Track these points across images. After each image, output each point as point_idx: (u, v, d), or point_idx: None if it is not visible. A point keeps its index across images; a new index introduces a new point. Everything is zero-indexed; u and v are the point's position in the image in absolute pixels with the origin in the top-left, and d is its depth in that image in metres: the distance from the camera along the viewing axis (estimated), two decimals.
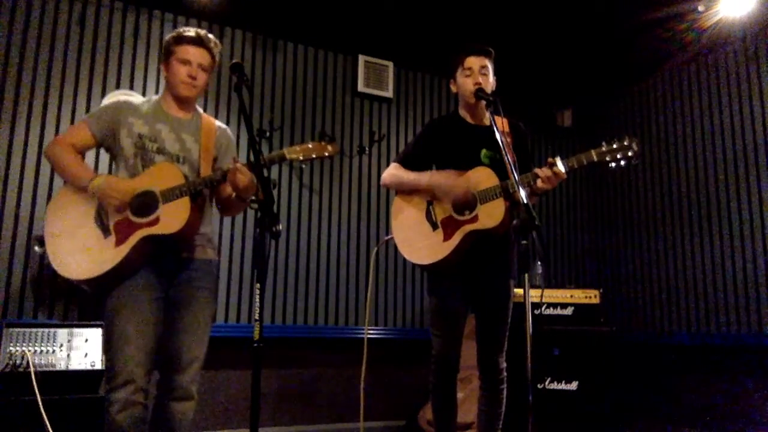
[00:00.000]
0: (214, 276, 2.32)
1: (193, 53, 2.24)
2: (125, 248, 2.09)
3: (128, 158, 2.21)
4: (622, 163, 2.30)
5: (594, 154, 2.32)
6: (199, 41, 2.25)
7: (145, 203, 2.13)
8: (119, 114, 2.24)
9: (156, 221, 2.12)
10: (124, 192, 2.13)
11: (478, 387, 2.60)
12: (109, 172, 2.27)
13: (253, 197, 2.20)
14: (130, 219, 2.13)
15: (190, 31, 2.27)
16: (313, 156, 2.18)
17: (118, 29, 3.73)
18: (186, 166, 2.26)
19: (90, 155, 3.49)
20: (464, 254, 2.44)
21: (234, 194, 2.24)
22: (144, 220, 2.12)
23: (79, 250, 2.13)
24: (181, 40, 2.25)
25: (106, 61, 3.67)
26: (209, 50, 2.28)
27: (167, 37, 2.31)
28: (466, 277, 2.50)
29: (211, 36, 2.30)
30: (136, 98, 2.34)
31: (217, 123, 2.41)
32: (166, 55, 2.28)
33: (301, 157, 2.18)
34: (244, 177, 2.11)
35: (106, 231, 2.13)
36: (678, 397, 4.19)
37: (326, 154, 2.19)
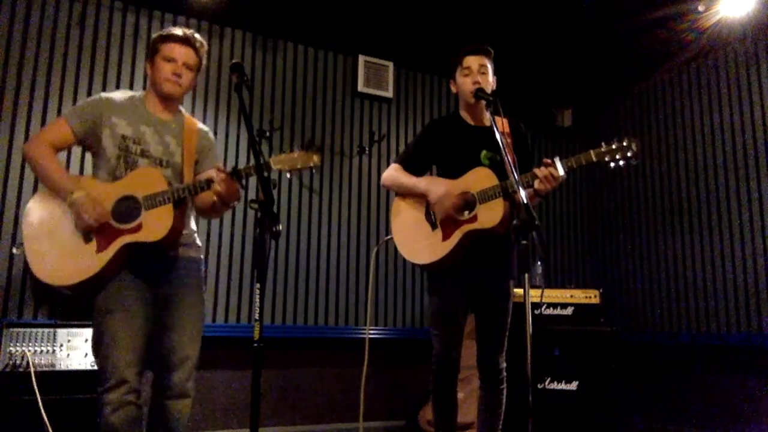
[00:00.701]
0: (200, 274, 2.31)
1: (179, 51, 2.22)
2: (106, 255, 2.07)
3: (110, 159, 2.18)
4: (621, 163, 2.30)
5: (593, 155, 2.32)
6: (185, 40, 2.23)
7: (128, 209, 2.11)
8: (101, 112, 2.19)
9: (138, 228, 2.09)
10: (103, 210, 2.09)
11: (478, 387, 2.60)
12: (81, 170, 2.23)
13: (254, 197, 2.18)
14: (111, 224, 2.10)
15: (177, 30, 2.25)
16: (299, 167, 2.11)
17: (118, 29, 3.73)
18: (169, 170, 2.24)
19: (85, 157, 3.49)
20: (463, 254, 2.44)
21: (217, 200, 2.20)
22: (126, 227, 2.09)
23: (59, 255, 2.10)
24: (167, 38, 2.23)
25: (106, 61, 3.67)
26: (195, 50, 2.26)
27: (153, 36, 2.29)
28: (466, 277, 2.50)
29: (197, 36, 2.28)
30: (117, 94, 2.29)
31: (199, 125, 2.39)
32: (152, 53, 2.26)
33: (286, 168, 2.11)
34: (229, 187, 2.07)
35: (87, 236, 2.10)
36: (678, 397, 4.19)
37: (311, 165, 2.12)
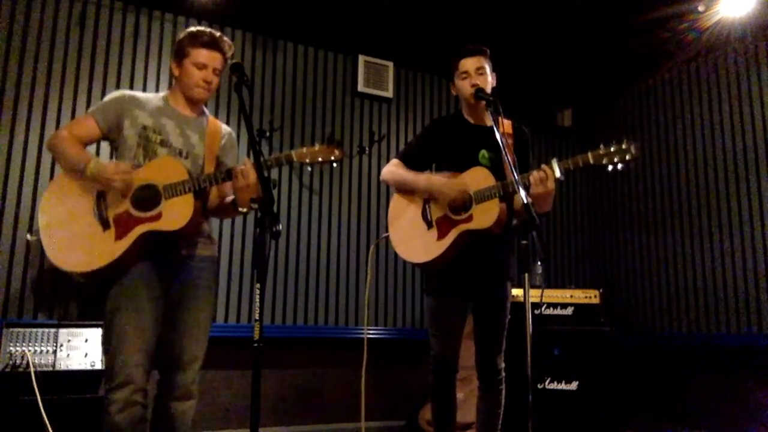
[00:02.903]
0: (214, 273, 2.31)
1: (210, 57, 2.22)
2: (125, 243, 2.06)
3: (131, 149, 2.18)
4: (619, 166, 2.28)
5: (590, 157, 2.30)
6: (214, 44, 2.23)
7: (147, 197, 2.10)
8: (124, 105, 2.22)
9: (158, 217, 2.09)
10: (126, 172, 2.09)
11: (477, 387, 2.60)
12: None
13: (253, 197, 2.17)
14: (130, 212, 2.09)
15: (205, 34, 2.23)
16: (320, 159, 2.14)
17: (118, 29, 3.73)
18: (189, 161, 2.23)
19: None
20: (458, 254, 2.44)
21: (228, 200, 2.20)
22: (145, 215, 2.09)
23: (77, 241, 2.09)
24: (196, 42, 2.22)
25: (106, 61, 3.67)
26: (223, 54, 2.26)
27: (181, 35, 2.27)
28: (464, 277, 2.50)
29: (225, 38, 2.28)
30: (139, 92, 2.33)
31: (223, 126, 2.39)
32: (180, 55, 2.24)
33: (308, 160, 2.14)
34: (251, 179, 2.07)
35: (105, 224, 2.09)
36: (678, 398, 4.19)
37: (333, 158, 2.15)
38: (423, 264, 2.52)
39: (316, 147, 2.15)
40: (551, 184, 2.28)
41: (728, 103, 4.16)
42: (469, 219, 2.41)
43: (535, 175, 2.28)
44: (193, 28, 2.28)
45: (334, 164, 2.19)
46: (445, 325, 2.51)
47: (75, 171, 2.14)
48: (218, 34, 2.27)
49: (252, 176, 2.06)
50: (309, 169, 2.20)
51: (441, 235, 2.44)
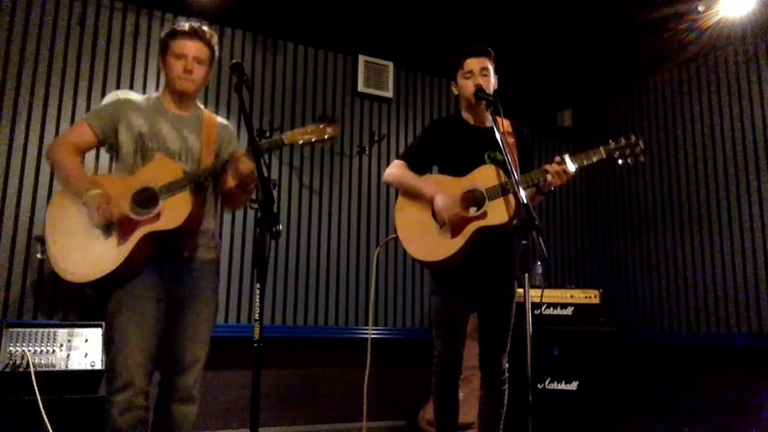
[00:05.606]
0: (216, 275, 2.30)
1: (189, 47, 2.21)
2: (127, 247, 2.06)
3: (128, 156, 2.18)
4: (629, 160, 2.34)
5: (603, 151, 2.35)
6: (194, 34, 2.21)
7: (145, 199, 2.10)
8: (119, 111, 2.21)
9: (157, 217, 2.08)
10: (117, 206, 2.09)
11: (479, 387, 2.60)
12: (110, 170, 2.23)
13: (253, 197, 2.16)
14: (130, 217, 2.09)
15: (185, 25, 2.23)
16: (313, 139, 2.11)
17: (118, 29, 3.73)
18: (189, 163, 2.23)
19: (90, 155, 3.49)
20: (472, 251, 2.43)
21: (235, 185, 2.19)
22: (145, 217, 2.08)
23: (81, 252, 2.09)
24: (175, 34, 2.22)
25: (106, 61, 3.67)
26: (206, 42, 2.24)
27: (162, 33, 2.28)
28: (470, 277, 2.49)
29: (206, 28, 2.26)
30: (135, 95, 2.32)
31: (219, 119, 2.38)
32: (163, 51, 2.25)
33: (300, 141, 2.10)
34: (245, 166, 2.06)
35: (107, 231, 2.10)
36: (678, 397, 4.19)
37: (326, 136, 2.11)
38: (438, 262, 2.48)
39: (308, 128, 2.12)
40: (567, 178, 2.34)
41: (728, 103, 4.16)
42: (484, 215, 2.40)
43: (552, 170, 2.33)
44: (174, 24, 2.27)
45: (329, 141, 2.14)
46: (452, 326, 2.50)
47: (71, 192, 2.15)
48: (198, 24, 2.25)
49: (243, 167, 2.05)
50: (306, 147, 2.16)
51: (455, 233, 2.43)
